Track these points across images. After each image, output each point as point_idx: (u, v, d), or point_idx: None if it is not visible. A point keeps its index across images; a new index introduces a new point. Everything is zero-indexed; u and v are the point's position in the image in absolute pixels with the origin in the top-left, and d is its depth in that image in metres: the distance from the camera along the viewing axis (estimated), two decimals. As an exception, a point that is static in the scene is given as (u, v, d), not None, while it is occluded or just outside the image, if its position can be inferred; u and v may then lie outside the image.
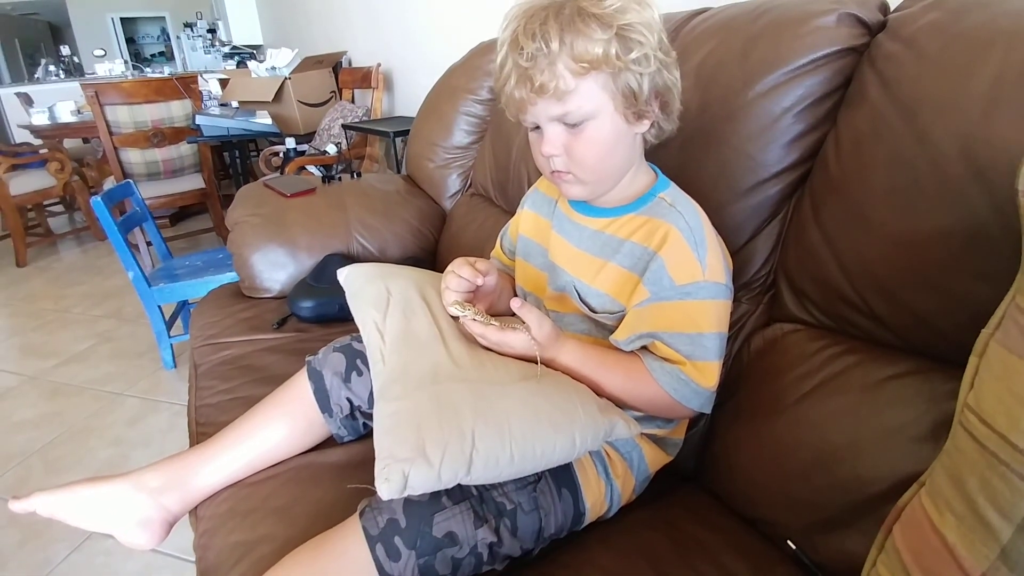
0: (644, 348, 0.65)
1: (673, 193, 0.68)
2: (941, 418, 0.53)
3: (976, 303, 0.49)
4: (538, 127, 0.63)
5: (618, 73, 0.58)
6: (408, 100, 2.59)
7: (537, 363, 0.65)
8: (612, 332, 0.67)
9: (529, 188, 0.86)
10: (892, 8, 0.69)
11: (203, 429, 0.88)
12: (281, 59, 3.02)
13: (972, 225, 0.51)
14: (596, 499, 0.65)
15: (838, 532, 0.58)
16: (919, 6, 0.63)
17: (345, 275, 0.85)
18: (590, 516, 0.66)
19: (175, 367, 1.94)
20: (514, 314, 0.65)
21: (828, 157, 0.68)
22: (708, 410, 0.65)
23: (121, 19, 9.07)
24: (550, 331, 0.65)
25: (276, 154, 2.66)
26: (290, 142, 2.52)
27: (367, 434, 0.80)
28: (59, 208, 3.96)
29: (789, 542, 0.62)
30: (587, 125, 0.60)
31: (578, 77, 0.57)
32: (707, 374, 0.62)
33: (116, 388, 1.86)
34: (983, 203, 0.51)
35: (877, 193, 0.60)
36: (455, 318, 0.70)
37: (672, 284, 0.62)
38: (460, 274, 0.69)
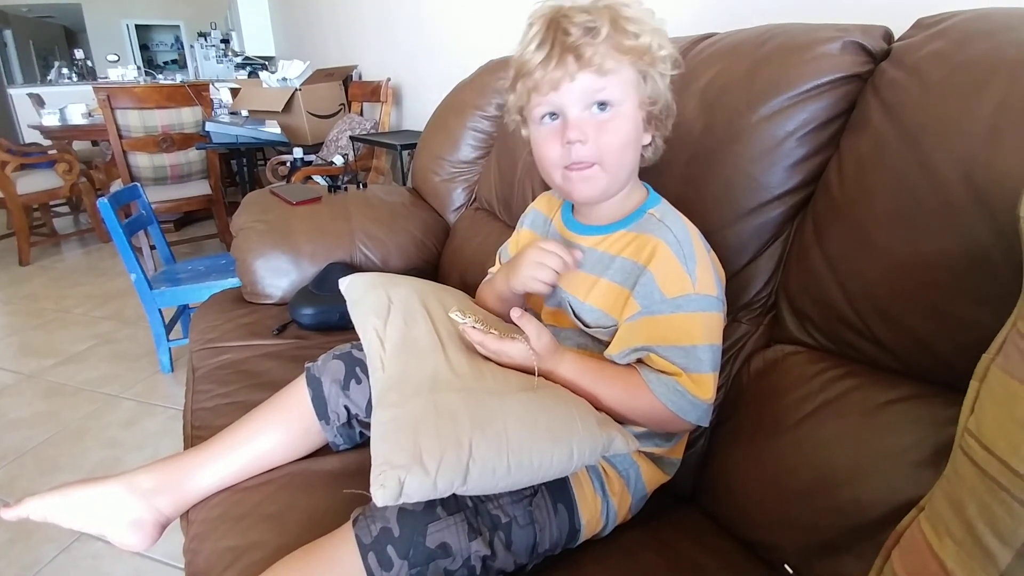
0: (640, 361, 0.65)
1: (663, 209, 0.69)
2: (941, 444, 0.52)
3: (977, 328, 0.50)
4: (555, 117, 0.64)
5: (647, 71, 0.63)
6: (416, 115, 2.62)
7: (535, 374, 0.65)
8: (607, 346, 0.67)
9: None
10: (896, 37, 0.70)
11: (198, 432, 0.87)
12: (292, 70, 3.06)
13: (974, 250, 0.52)
14: (592, 516, 0.65)
15: (836, 556, 0.57)
16: (923, 35, 0.64)
17: (347, 284, 0.85)
18: (585, 533, 0.65)
19: (172, 371, 1.94)
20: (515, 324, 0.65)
21: (831, 181, 0.69)
22: (706, 423, 0.65)
23: (136, 26, 9.20)
24: (548, 342, 0.65)
25: (283, 163, 2.68)
26: (297, 152, 2.55)
27: (363, 443, 0.79)
28: (65, 209, 3.99)
29: (786, 566, 0.61)
30: (614, 112, 0.62)
31: (618, 62, 0.60)
32: (703, 386, 0.62)
33: (112, 390, 1.86)
34: (985, 229, 0.51)
35: (879, 217, 0.61)
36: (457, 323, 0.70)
37: (663, 297, 0.62)
38: (553, 249, 0.66)
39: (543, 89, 0.62)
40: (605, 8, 0.60)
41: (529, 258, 0.68)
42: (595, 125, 0.62)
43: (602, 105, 0.62)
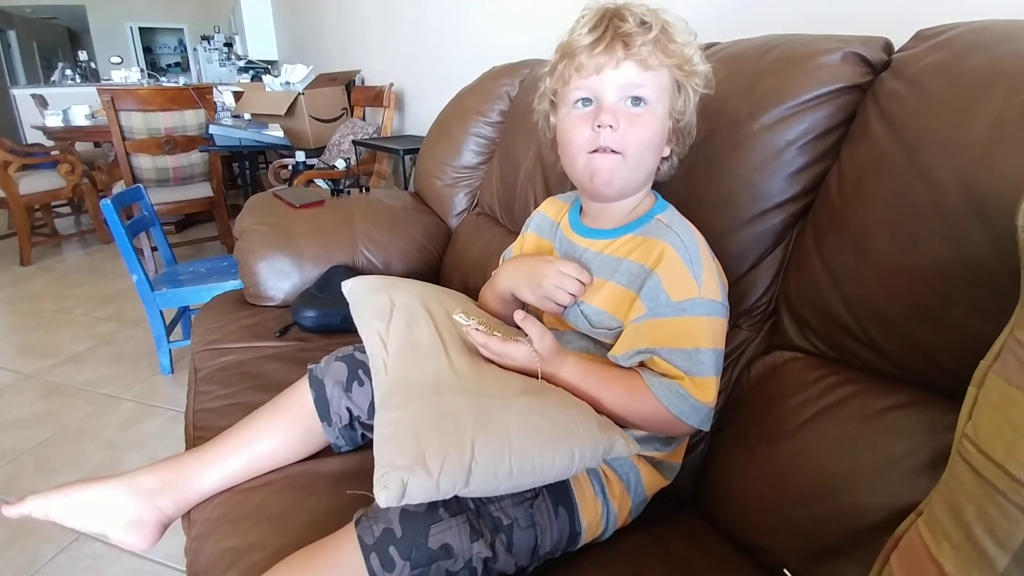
0: (643, 364, 0.66)
1: (670, 215, 0.70)
2: (939, 450, 0.53)
3: (974, 335, 0.50)
4: (588, 104, 0.66)
5: (683, 82, 0.66)
6: (418, 120, 2.63)
7: (538, 376, 0.65)
8: (610, 349, 0.68)
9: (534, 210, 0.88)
10: (896, 48, 0.71)
11: (200, 433, 0.88)
12: (296, 75, 3.07)
13: (971, 259, 0.52)
14: (592, 519, 0.65)
15: (835, 560, 0.58)
16: (923, 47, 0.65)
17: (349, 287, 0.86)
18: (586, 536, 0.65)
19: (172, 373, 1.94)
20: (517, 326, 0.65)
21: (831, 190, 0.70)
22: (707, 427, 0.66)
23: (139, 28, 9.24)
24: (552, 345, 0.65)
25: (285, 167, 2.69)
26: (300, 155, 2.56)
27: (365, 445, 0.80)
28: (66, 210, 3.99)
29: (786, 571, 0.61)
30: (646, 110, 0.64)
31: (660, 63, 0.63)
32: (705, 390, 0.63)
33: (112, 391, 1.86)
34: (983, 238, 0.52)
35: (878, 226, 0.61)
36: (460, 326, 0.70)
37: (668, 300, 0.63)
38: (572, 273, 0.69)
39: (586, 71, 0.64)
40: (659, 16, 0.64)
41: (550, 280, 0.70)
42: (627, 117, 0.64)
43: (636, 100, 0.64)
